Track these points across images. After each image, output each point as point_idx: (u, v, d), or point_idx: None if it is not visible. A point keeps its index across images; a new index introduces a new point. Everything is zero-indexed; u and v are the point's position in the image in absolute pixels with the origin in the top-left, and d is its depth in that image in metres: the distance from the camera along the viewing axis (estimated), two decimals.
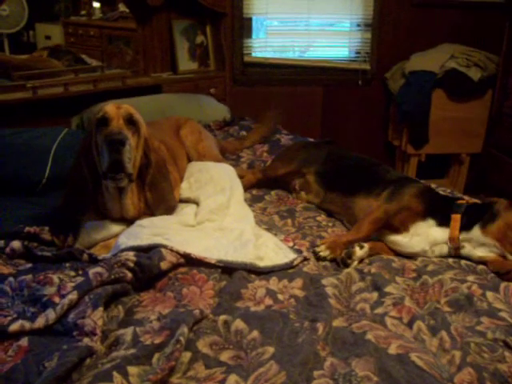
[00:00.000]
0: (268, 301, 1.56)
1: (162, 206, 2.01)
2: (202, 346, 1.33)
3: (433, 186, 2.37)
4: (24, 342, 1.29)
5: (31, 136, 2.45)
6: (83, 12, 3.71)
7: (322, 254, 1.85)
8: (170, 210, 2.05)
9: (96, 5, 3.71)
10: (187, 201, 2.20)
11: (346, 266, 1.82)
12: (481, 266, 1.82)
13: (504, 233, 1.81)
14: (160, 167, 2.01)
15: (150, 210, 1.99)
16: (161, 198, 2.01)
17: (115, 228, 1.93)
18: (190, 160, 2.57)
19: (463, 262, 1.86)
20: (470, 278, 1.73)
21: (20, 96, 2.94)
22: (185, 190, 2.25)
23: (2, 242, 1.76)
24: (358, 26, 4.20)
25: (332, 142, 2.79)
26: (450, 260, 1.88)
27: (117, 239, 1.81)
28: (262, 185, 2.53)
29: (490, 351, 1.36)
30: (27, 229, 1.86)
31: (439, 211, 1.94)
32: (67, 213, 1.98)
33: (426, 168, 4.03)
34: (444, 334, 1.41)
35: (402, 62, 4.14)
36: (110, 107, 1.84)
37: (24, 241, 1.78)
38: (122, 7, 3.66)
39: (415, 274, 1.76)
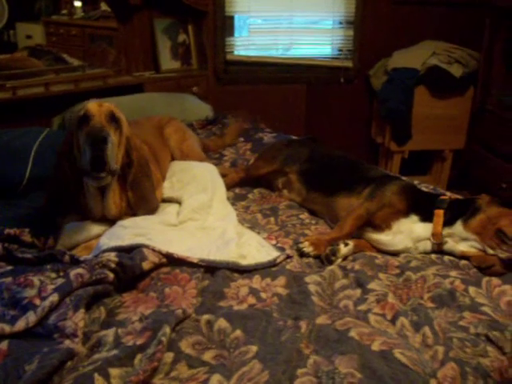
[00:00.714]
0: (251, 299, 1.56)
1: (143, 206, 2.00)
2: (185, 346, 1.32)
3: (416, 182, 2.38)
4: (3, 345, 1.27)
5: (11, 136, 2.42)
6: (64, 11, 3.66)
7: (305, 249, 1.85)
8: (152, 209, 2.04)
9: (77, 4, 3.67)
10: (170, 200, 2.19)
11: (330, 263, 1.82)
12: (463, 261, 1.82)
13: (484, 226, 1.81)
14: (142, 166, 1.99)
15: (132, 210, 1.98)
16: (143, 198, 1.99)
17: (97, 229, 1.91)
18: (173, 159, 2.56)
19: (446, 257, 1.86)
20: (453, 273, 1.74)
21: None
22: (167, 189, 2.24)
23: None
24: (341, 23, 4.20)
25: (314, 138, 2.79)
26: (433, 256, 1.88)
27: (98, 240, 1.80)
28: (244, 183, 2.52)
29: (472, 346, 1.37)
30: (7, 231, 1.83)
31: (422, 207, 1.94)
32: (48, 214, 1.97)
33: (408, 165, 4.05)
34: (427, 329, 1.42)
35: (384, 59, 4.15)
36: (91, 105, 1.82)
37: (4, 243, 1.75)
38: (103, 6, 3.62)
39: (398, 270, 1.77)
